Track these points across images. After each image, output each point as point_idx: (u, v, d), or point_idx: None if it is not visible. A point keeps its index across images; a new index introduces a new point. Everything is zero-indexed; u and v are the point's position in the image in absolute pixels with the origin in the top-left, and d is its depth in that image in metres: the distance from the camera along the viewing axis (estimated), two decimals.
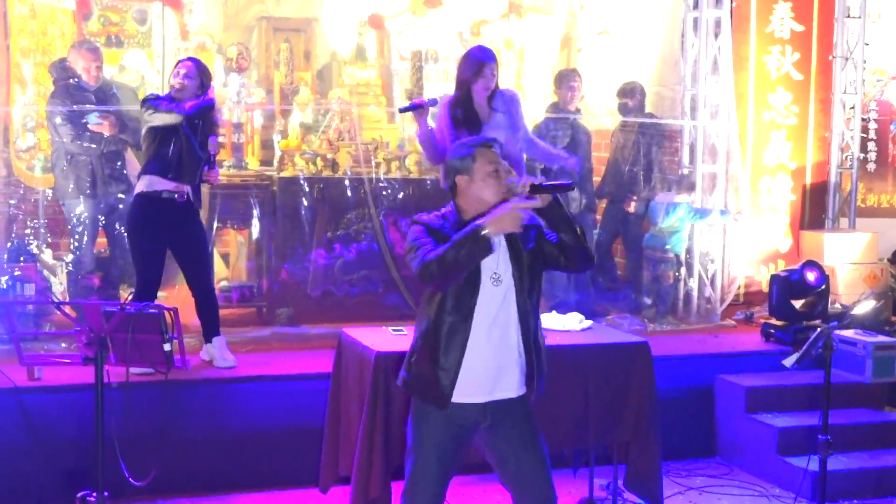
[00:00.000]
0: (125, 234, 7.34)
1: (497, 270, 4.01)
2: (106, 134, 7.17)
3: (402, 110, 6.57)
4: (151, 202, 6.28)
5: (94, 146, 7.24)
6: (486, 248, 3.83)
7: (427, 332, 4.04)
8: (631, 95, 8.53)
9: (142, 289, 6.21)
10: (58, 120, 7.30)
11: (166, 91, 6.86)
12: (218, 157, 8.08)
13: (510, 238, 4.03)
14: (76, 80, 7.32)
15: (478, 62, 6.35)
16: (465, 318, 3.98)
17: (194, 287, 6.46)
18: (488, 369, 4.04)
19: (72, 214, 7.37)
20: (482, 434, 4.16)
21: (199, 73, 6.44)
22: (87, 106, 7.23)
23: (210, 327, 6.50)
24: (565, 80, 8.40)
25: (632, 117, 8.49)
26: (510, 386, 4.10)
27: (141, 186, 6.34)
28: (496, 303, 4.00)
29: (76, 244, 7.35)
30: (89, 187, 7.34)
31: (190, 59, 6.59)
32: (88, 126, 7.13)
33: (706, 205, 8.36)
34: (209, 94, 6.47)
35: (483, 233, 3.80)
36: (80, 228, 7.32)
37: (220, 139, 8.17)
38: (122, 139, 7.40)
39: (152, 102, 6.38)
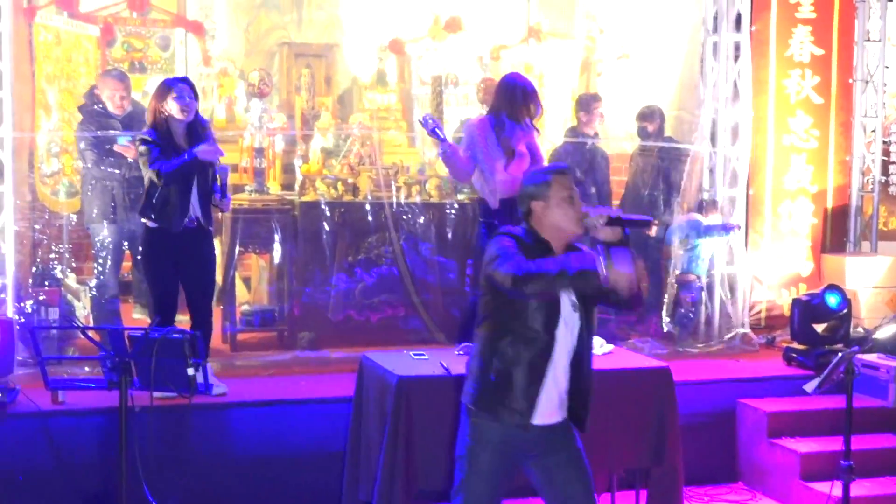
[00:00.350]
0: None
1: (573, 298, 4.04)
2: (129, 158, 7.23)
3: (426, 124, 6.51)
4: (162, 231, 6.25)
5: (117, 171, 7.30)
6: (594, 286, 3.84)
7: (509, 349, 4.00)
8: (650, 119, 8.55)
9: (159, 315, 6.20)
10: (82, 145, 7.38)
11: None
12: (240, 182, 8.16)
13: None
14: (100, 106, 7.39)
15: (528, 93, 6.44)
16: (552, 339, 4.00)
17: (194, 310, 6.41)
18: (559, 392, 4.07)
19: (96, 239, 7.43)
20: (532, 457, 4.15)
21: (193, 90, 6.37)
22: (111, 132, 7.29)
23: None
24: (585, 103, 8.44)
25: (651, 141, 8.51)
26: (565, 410, 4.12)
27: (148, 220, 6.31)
28: (571, 328, 4.04)
29: (100, 268, 7.41)
30: (112, 212, 7.39)
31: (181, 79, 6.47)
32: (115, 147, 7.17)
33: None
34: (202, 121, 6.42)
35: (603, 274, 3.80)
36: (104, 253, 7.38)
37: (243, 164, 8.25)
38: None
39: (152, 153, 6.18)
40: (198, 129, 6.32)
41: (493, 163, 6.38)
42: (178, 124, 6.26)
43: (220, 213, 7.23)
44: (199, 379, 4.33)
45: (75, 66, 8.41)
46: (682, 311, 8.12)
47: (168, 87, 6.26)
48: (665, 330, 8.17)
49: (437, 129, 6.36)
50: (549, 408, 4.06)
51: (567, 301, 4.03)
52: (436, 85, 8.80)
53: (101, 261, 7.42)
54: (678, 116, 8.74)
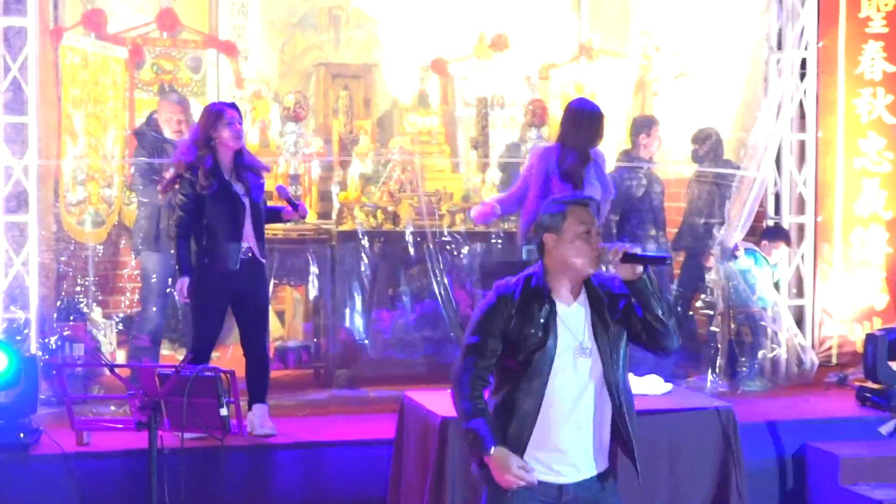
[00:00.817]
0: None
1: (583, 341, 3.97)
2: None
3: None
4: (214, 262, 6.33)
5: (157, 196, 7.42)
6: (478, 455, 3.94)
7: (497, 410, 4.00)
8: (700, 142, 8.58)
9: (197, 350, 6.29)
10: (132, 169, 7.53)
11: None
12: None
13: (595, 306, 4.00)
14: (152, 130, 7.53)
15: (586, 116, 6.57)
16: (538, 396, 3.93)
17: (248, 347, 6.49)
18: (569, 449, 3.98)
19: (145, 267, 7.58)
20: None
21: (241, 115, 6.46)
22: (163, 160, 7.39)
23: (256, 392, 6.49)
24: (643, 127, 8.44)
25: (707, 165, 8.51)
26: (594, 463, 4.04)
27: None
28: (581, 377, 3.95)
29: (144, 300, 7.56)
30: (153, 240, 7.51)
31: (230, 104, 6.54)
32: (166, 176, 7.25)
33: (794, 258, 8.32)
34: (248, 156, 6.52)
35: (480, 458, 3.92)
36: (145, 282, 7.52)
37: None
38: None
39: (183, 218, 6.28)
40: (244, 163, 6.37)
41: (538, 193, 6.50)
42: (226, 152, 6.34)
43: None
44: (233, 419, 4.38)
45: (102, 89, 8.56)
46: (745, 346, 8.08)
47: (219, 113, 6.33)
48: (727, 367, 8.11)
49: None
50: (556, 463, 3.98)
51: (570, 341, 3.95)
52: (481, 107, 8.87)
53: (144, 291, 7.54)
54: (740, 139, 8.72)
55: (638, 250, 3.93)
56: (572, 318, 3.97)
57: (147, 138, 7.59)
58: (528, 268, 4.10)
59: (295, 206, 6.54)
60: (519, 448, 3.94)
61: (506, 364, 4.00)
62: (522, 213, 6.84)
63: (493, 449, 3.88)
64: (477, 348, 3.98)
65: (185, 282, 6.29)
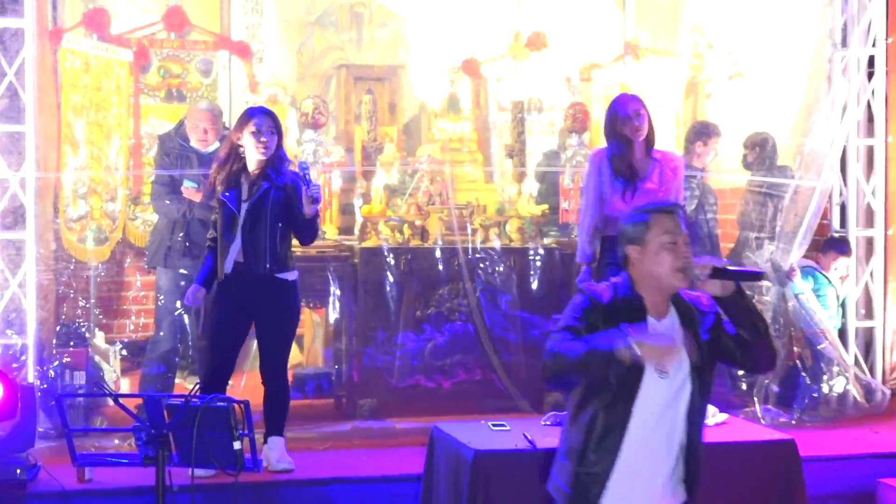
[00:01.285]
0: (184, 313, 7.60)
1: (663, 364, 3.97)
2: (196, 201, 7.42)
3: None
4: (234, 280, 6.41)
5: (176, 213, 7.49)
6: (622, 368, 3.82)
7: (579, 430, 4.01)
8: (750, 147, 8.60)
9: (211, 377, 6.34)
10: (152, 177, 7.61)
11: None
12: None
13: (687, 323, 4.03)
14: (179, 138, 7.61)
15: (620, 105, 6.77)
16: (624, 417, 3.95)
17: (268, 373, 6.52)
18: (646, 476, 4.00)
19: (159, 284, 7.67)
20: None
21: (276, 124, 6.53)
22: (183, 170, 7.47)
23: (274, 424, 6.53)
24: (702, 135, 8.43)
25: (758, 173, 8.50)
26: (668, 494, 4.05)
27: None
28: (662, 400, 3.97)
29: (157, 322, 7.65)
30: (165, 256, 7.58)
31: (264, 110, 6.63)
32: (182, 190, 7.31)
33: (862, 275, 8.28)
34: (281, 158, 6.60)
35: (622, 354, 3.77)
36: (161, 301, 7.62)
37: None
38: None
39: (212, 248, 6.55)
40: (272, 175, 6.42)
41: (592, 200, 6.69)
42: (254, 163, 6.42)
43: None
44: (247, 453, 4.40)
45: (105, 95, 8.64)
46: (806, 373, 8.05)
47: (248, 117, 6.46)
48: (788, 396, 8.08)
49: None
50: (632, 493, 3.98)
51: (651, 368, 3.94)
52: (516, 111, 8.86)
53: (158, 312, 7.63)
54: (800, 144, 8.69)
55: (727, 264, 3.97)
56: (660, 335, 3.96)
57: (170, 144, 7.67)
58: (612, 278, 4.12)
59: (306, 184, 6.39)
60: (601, 476, 3.96)
61: (588, 380, 3.98)
62: (579, 226, 6.90)
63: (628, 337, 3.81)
64: (574, 330, 3.95)
65: (196, 288, 6.41)
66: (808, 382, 8.07)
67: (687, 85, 10.13)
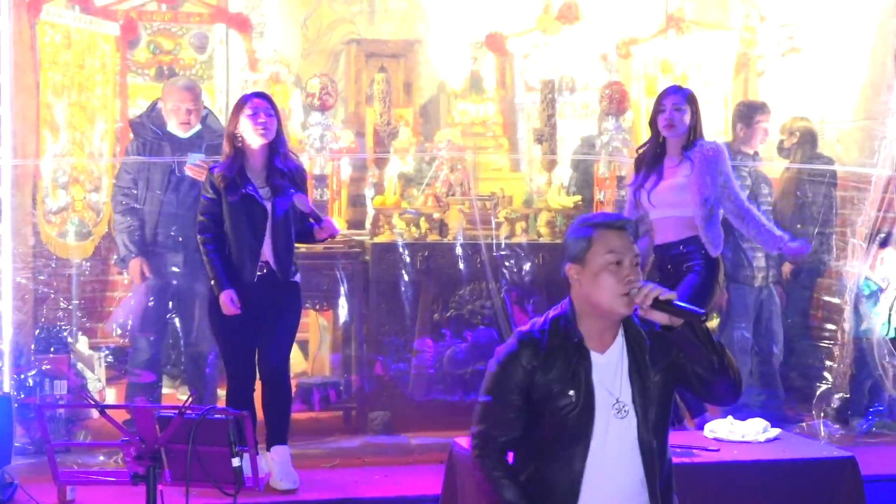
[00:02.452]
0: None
1: (620, 397, 3.95)
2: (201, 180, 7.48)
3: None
4: (263, 284, 6.50)
5: (151, 208, 7.54)
6: None
7: (532, 474, 4.03)
8: (789, 132, 8.65)
9: (233, 387, 6.49)
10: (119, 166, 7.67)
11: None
12: None
13: (634, 351, 3.97)
14: (152, 123, 7.62)
15: (660, 96, 6.98)
16: (578, 469, 3.93)
17: (266, 374, 6.60)
18: None
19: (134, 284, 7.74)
20: None
21: (272, 105, 6.62)
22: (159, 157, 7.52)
23: (276, 430, 6.58)
24: (750, 114, 8.45)
25: (790, 159, 8.54)
26: None
27: None
28: (623, 440, 3.95)
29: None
30: (138, 254, 7.63)
31: (256, 93, 6.74)
32: (186, 169, 7.19)
33: None
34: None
35: None
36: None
37: None
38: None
39: (206, 241, 6.57)
40: (277, 165, 6.53)
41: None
42: (257, 153, 6.51)
43: None
44: (247, 471, 4.45)
45: (89, 73, 8.70)
46: (864, 381, 8.08)
47: (240, 103, 6.56)
48: (845, 408, 8.10)
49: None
50: None
51: (607, 399, 3.93)
52: (546, 91, 8.89)
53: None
54: (864, 128, 8.72)
55: (672, 297, 3.83)
56: (607, 370, 3.95)
57: (145, 131, 7.66)
58: (555, 307, 4.06)
59: (318, 221, 6.62)
60: None
61: (532, 431, 3.99)
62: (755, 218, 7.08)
63: None
64: (492, 415, 4.01)
65: (229, 294, 6.43)
66: (868, 394, 8.10)
67: (737, 62, 10.15)
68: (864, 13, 8.68)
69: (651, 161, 6.94)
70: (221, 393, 7.78)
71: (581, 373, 3.92)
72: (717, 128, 9.80)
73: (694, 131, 6.88)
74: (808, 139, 8.66)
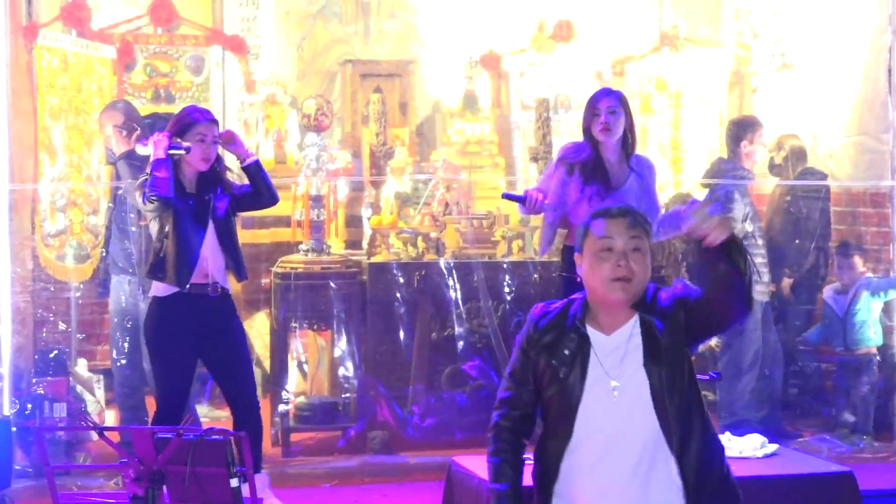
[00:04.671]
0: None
1: (621, 377, 3.96)
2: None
3: (507, 197, 6.85)
4: (171, 300, 6.38)
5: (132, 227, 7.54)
6: None
7: (535, 455, 4.09)
8: (777, 148, 8.67)
9: (164, 413, 6.28)
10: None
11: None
12: (293, 240, 8.31)
13: (647, 334, 3.97)
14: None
15: (591, 100, 6.64)
16: (563, 440, 3.98)
17: (235, 403, 6.54)
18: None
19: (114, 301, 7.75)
20: None
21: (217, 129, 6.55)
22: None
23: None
24: (745, 130, 8.43)
25: (780, 175, 8.56)
26: None
27: (156, 290, 6.45)
28: (618, 420, 3.95)
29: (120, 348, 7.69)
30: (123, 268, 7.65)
31: (205, 113, 6.60)
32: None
33: None
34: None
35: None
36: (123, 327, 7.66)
37: (296, 216, 8.40)
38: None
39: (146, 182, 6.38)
40: (210, 177, 6.46)
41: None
42: (190, 169, 6.42)
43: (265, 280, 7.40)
44: (245, 492, 4.46)
45: (86, 96, 8.73)
46: (862, 396, 8.09)
47: (189, 124, 6.40)
48: (844, 423, 8.11)
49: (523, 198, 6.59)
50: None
51: (603, 378, 3.95)
52: (541, 109, 8.92)
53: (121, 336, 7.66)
54: (858, 143, 8.74)
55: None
56: (610, 351, 3.98)
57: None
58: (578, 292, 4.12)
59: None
60: (545, 498, 4.01)
61: (542, 405, 4.08)
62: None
63: None
64: (505, 390, 4.11)
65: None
66: (869, 407, 8.12)
67: (731, 78, 10.17)
68: (857, 30, 8.71)
69: (592, 169, 6.56)
70: (221, 414, 7.80)
71: (578, 351, 3.97)
72: (711, 145, 9.82)
73: (629, 134, 6.65)
74: (797, 155, 8.68)
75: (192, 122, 6.41)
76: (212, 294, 6.37)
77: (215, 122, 6.52)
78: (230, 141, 6.56)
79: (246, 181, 6.57)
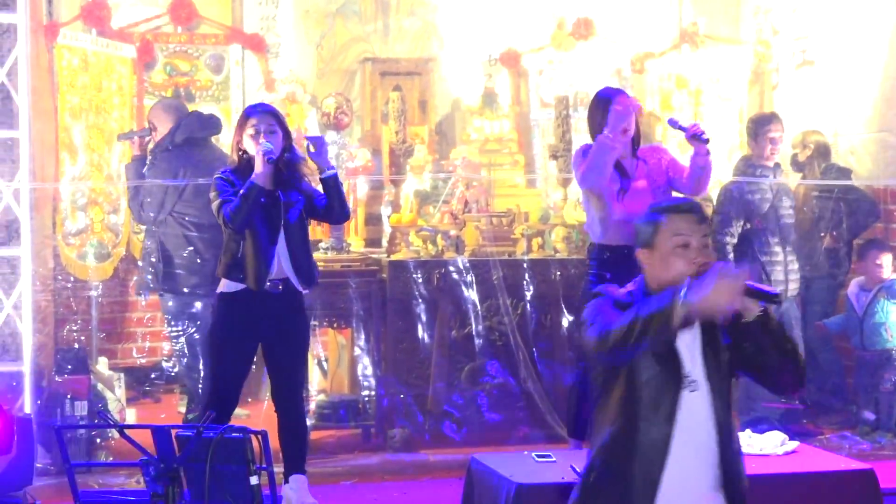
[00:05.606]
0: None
1: (692, 371, 4.01)
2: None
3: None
4: (239, 297, 6.43)
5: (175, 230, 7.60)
6: (681, 323, 3.83)
7: (613, 442, 4.05)
8: (801, 145, 8.63)
9: (216, 409, 6.26)
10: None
11: None
12: (313, 238, 8.30)
13: (706, 329, 4.02)
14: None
15: (603, 100, 6.74)
16: (666, 423, 3.98)
17: (281, 401, 6.56)
18: (690, 492, 4.03)
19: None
20: None
21: (278, 120, 6.51)
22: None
23: (293, 460, 6.52)
24: (763, 127, 8.41)
25: (805, 172, 8.53)
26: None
27: (222, 286, 6.52)
28: (696, 412, 4.01)
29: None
30: (169, 279, 7.72)
31: (262, 106, 6.66)
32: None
33: None
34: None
35: (681, 303, 3.79)
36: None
37: None
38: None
39: (221, 194, 6.40)
40: (284, 178, 6.45)
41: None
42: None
43: None
44: (266, 489, 4.46)
45: (106, 96, 8.76)
46: (883, 393, 8.07)
47: (246, 117, 6.47)
48: (865, 420, 8.09)
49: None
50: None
51: (685, 370, 4.00)
52: (561, 107, 8.91)
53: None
54: (880, 139, 8.71)
55: (749, 280, 3.86)
56: (686, 343, 4.00)
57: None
58: (629, 283, 4.15)
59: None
60: (649, 485, 3.98)
61: (622, 390, 4.03)
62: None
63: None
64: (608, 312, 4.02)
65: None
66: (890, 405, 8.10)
67: (752, 74, 10.14)
68: (877, 25, 8.68)
69: (619, 168, 6.71)
70: (242, 412, 7.83)
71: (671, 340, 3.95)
72: (732, 142, 9.80)
73: (638, 131, 6.83)
74: (821, 152, 8.64)
75: (245, 116, 6.48)
76: (276, 291, 6.40)
77: (270, 112, 6.52)
78: (316, 148, 6.51)
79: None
